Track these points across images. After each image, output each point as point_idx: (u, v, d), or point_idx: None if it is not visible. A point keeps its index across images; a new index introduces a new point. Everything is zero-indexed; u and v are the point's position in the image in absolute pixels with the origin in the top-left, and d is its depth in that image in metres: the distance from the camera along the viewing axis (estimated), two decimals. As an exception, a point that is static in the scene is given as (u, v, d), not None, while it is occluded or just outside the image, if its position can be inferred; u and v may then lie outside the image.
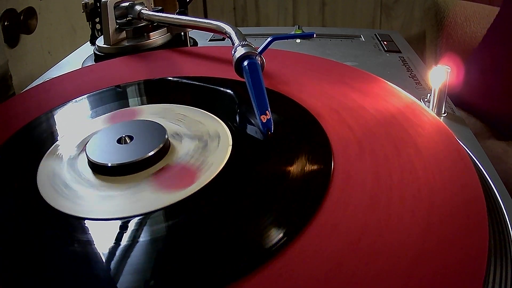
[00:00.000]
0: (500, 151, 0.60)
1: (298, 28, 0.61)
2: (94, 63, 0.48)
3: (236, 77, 0.34)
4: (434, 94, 0.36)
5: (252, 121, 0.30)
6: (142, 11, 0.47)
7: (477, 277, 0.18)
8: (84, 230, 0.22)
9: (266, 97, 0.29)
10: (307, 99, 0.32)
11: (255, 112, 0.28)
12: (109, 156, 0.26)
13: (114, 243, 0.20)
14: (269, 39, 0.35)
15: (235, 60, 0.33)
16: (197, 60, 0.43)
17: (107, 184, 0.25)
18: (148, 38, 0.47)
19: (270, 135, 0.27)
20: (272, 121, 0.28)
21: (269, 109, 0.28)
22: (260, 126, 0.28)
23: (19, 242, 0.21)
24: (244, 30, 0.44)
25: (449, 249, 0.19)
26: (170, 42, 0.49)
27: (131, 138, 0.27)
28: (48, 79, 0.42)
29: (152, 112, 0.32)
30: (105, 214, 0.23)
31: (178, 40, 0.50)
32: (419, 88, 0.43)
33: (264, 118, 0.27)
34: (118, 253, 0.20)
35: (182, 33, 0.50)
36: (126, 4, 0.48)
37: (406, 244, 0.19)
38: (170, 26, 0.48)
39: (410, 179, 0.23)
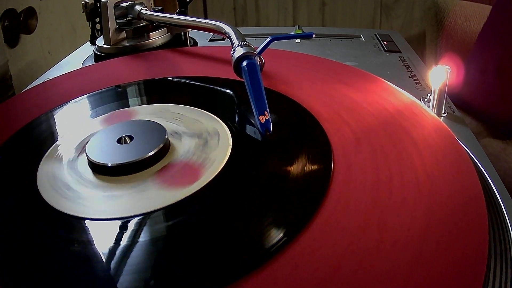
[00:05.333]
0: (498, 149, 0.60)
1: (298, 28, 0.61)
2: (94, 63, 0.48)
3: (236, 77, 0.34)
4: (434, 94, 0.36)
5: (252, 121, 0.30)
6: (142, 11, 0.47)
7: (477, 277, 0.18)
8: (84, 230, 0.22)
9: (265, 97, 0.29)
10: (307, 99, 0.32)
11: (254, 112, 0.28)
12: (109, 156, 0.26)
13: (115, 243, 0.20)
14: (268, 39, 0.35)
15: (234, 60, 0.33)
16: (197, 60, 0.43)
17: (107, 184, 0.25)
18: (148, 38, 0.47)
19: (269, 135, 0.27)
20: (270, 121, 0.28)
21: (267, 109, 0.28)
22: (259, 127, 0.28)
23: (19, 243, 0.21)
24: (244, 30, 0.44)
25: (449, 249, 0.19)
26: (170, 42, 0.49)
27: (131, 138, 0.27)
28: (48, 79, 0.42)
29: (151, 112, 0.32)
30: (105, 214, 0.23)
31: (178, 40, 0.50)
32: (419, 88, 0.43)
33: (262, 119, 0.27)
34: (118, 253, 0.20)
35: (182, 33, 0.50)
36: (126, 4, 0.48)
37: (406, 244, 0.19)
38: (170, 26, 0.48)
39: (410, 178, 0.23)
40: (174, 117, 0.31)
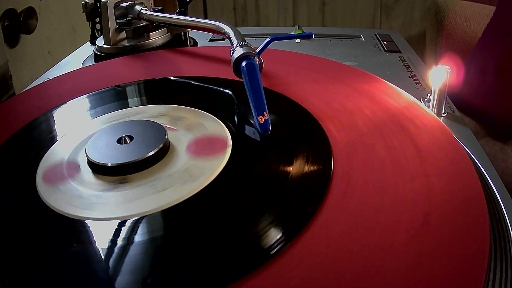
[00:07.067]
0: (495, 149, 0.60)
1: (298, 28, 0.61)
2: (94, 63, 0.48)
3: (236, 77, 0.34)
4: (434, 94, 0.36)
5: (251, 121, 0.30)
6: (142, 11, 0.47)
7: (478, 277, 0.18)
8: (84, 230, 0.22)
9: (264, 98, 0.29)
10: (306, 100, 0.32)
11: (253, 113, 0.28)
12: (109, 156, 0.26)
13: (114, 243, 0.20)
14: (267, 40, 0.35)
15: (233, 60, 0.33)
16: (197, 60, 0.43)
17: (106, 184, 0.25)
18: (148, 38, 0.47)
19: (268, 135, 0.27)
20: (269, 122, 0.28)
21: (266, 110, 0.28)
22: (258, 127, 0.28)
23: (18, 243, 0.21)
24: (244, 30, 0.44)
25: (449, 249, 0.19)
26: (170, 42, 0.49)
27: (131, 138, 0.27)
28: (48, 79, 0.42)
29: (151, 112, 0.32)
30: (104, 214, 0.23)
31: (178, 40, 0.50)
32: (419, 88, 0.43)
33: (261, 119, 0.27)
34: (117, 253, 0.20)
35: (182, 33, 0.50)
36: (126, 4, 0.48)
37: (406, 244, 0.19)
38: (170, 26, 0.48)
39: (410, 178, 0.23)
40: (173, 117, 0.31)
